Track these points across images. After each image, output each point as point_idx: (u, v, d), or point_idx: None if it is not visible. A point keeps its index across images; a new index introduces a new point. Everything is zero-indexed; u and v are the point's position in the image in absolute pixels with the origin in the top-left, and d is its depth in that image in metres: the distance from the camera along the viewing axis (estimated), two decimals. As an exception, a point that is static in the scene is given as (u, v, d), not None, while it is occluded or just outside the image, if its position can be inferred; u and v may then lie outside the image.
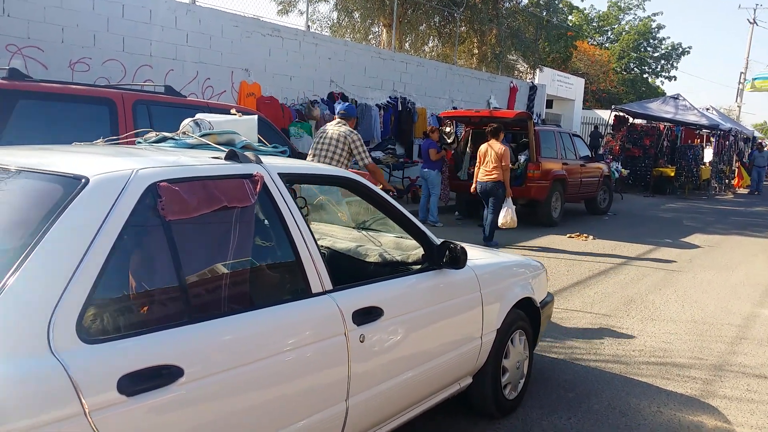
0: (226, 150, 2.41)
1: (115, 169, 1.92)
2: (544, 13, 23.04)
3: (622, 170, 16.75)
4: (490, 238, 8.90)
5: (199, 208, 2.00)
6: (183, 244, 1.96)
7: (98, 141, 2.80)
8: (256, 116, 2.97)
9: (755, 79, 24.91)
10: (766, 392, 4.13)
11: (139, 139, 2.78)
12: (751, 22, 31.22)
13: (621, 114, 19.72)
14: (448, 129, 12.47)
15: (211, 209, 2.04)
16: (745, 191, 21.94)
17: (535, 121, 12.35)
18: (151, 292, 1.93)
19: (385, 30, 17.63)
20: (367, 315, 2.45)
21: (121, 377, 1.66)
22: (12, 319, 1.55)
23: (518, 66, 22.05)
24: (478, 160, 8.98)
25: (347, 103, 7.36)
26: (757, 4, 34.13)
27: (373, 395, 2.48)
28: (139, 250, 1.94)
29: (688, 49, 43.83)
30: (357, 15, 18.33)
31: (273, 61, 11.52)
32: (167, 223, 1.92)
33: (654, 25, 42.82)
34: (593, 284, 6.94)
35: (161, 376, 1.74)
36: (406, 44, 19.06)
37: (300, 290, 2.29)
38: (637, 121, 19.73)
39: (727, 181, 21.32)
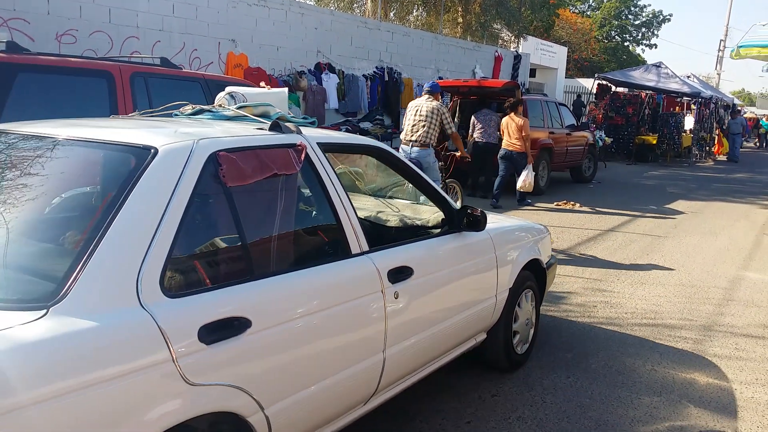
0: (264, 121, 2.55)
1: (178, 140, 2.06)
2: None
3: (606, 138, 16.91)
4: (523, 199, 10.05)
5: (254, 176, 2.16)
6: (242, 209, 2.12)
7: (134, 114, 2.90)
8: (286, 89, 3.09)
9: (740, 46, 24.80)
10: (754, 350, 4.36)
11: (175, 112, 2.88)
12: (730, -11, 31.30)
13: (604, 82, 19.83)
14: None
15: (263, 176, 2.20)
16: (725, 158, 22.33)
17: (522, 90, 12.44)
18: (219, 251, 2.10)
19: (369, -2, 17.55)
20: (399, 274, 2.63)
21: (200, 327, 1.83)
22: (107, 275, 1.70)
23: (502, 35, 22.06)
24: (500, 132, 9.97)
25: (432, 81, 8.20)
26: (736, -28, 34.24)
27: (404, 348, 2.68)
28: (206, 213, 2.10)
29: (668, 17, 44.10)
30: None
31: (259, 31, 11.47)
32: (228, 189, 2.08)
33: (635, -9, 42.89)
34: (583, 250, 7.16)
35: (233, 326, 1.92)
36: (391, 13, 18.97)
37: (342, 251, 2.47)
38: (620, 89, 19.88)
39: (707, 148, 21.63)
